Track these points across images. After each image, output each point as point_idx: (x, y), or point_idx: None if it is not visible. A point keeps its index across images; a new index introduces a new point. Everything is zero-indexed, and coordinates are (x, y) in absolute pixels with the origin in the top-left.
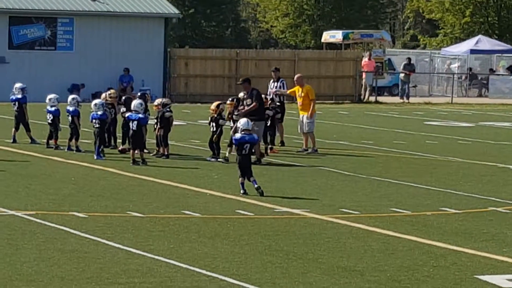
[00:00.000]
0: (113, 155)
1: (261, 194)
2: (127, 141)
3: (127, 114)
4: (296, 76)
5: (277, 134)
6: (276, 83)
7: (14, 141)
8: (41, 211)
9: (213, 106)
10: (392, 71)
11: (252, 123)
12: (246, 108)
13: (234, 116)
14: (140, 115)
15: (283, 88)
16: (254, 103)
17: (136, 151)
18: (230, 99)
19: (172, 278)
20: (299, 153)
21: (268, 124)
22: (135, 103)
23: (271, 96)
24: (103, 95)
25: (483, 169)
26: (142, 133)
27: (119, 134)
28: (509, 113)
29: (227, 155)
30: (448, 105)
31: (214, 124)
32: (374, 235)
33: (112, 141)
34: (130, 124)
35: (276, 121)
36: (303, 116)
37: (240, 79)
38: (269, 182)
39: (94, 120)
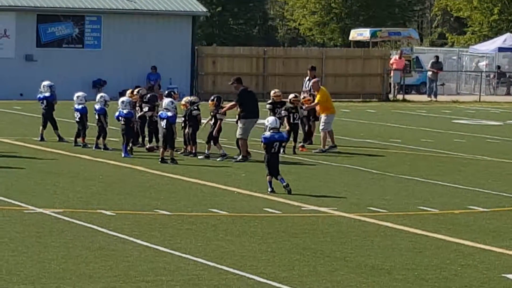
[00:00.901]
0: (141, 153)
1: (289, 192)
2: (154, 139)
3: (158, 113)
4: (312, 81)
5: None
6: (310, 82)
7: (42, 139)
8: (69, 209)
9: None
10: (420, 69)
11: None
12: (227, 106)
13: (217, 115)
14: (169, 114)
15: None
16: (233, 102)
17: (166, 150)
18: (212, 98)
19: (199, 276)
20: (327, 151)
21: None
22: (165, 101)
23: (304, 94)
24: (128, 92)
25: (511, 168)
26: (173, 131)
27: (146, 132)
28: None
29: (206, 152)
30: (476, 103)
31: None
32: (402, 233)
33: (140, 139)
34: (162, 122)
35: (306, 119)
36: (320, 116)
37: (232, 79)
38: (297, 180)
39: (120, 118)
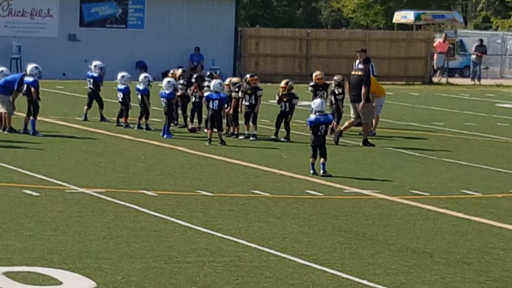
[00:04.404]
0: (183, 134)
1: (329, 175)
2: (196, 120)
3: (206, 94)
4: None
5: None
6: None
7: (85, 118)
8: (111, 189)
9: (282, 83)
10: (463, 53)
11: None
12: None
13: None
14: (222, 95)
15: (371, 69)
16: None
17: (213, 131)
18: (284, 82)
19: (240, 258)
20: (374, 134)
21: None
22: (214, 83)
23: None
24: (169, 74)
25: None
26: (223, 112)
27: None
28: None
29: (255, 131)
30: None
31: (287, 104)
32: (444, 217)
33: (182, 119)
34: (210, 103)
35: (340, 102)
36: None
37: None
38: (339, 162)
39: (162, 99)
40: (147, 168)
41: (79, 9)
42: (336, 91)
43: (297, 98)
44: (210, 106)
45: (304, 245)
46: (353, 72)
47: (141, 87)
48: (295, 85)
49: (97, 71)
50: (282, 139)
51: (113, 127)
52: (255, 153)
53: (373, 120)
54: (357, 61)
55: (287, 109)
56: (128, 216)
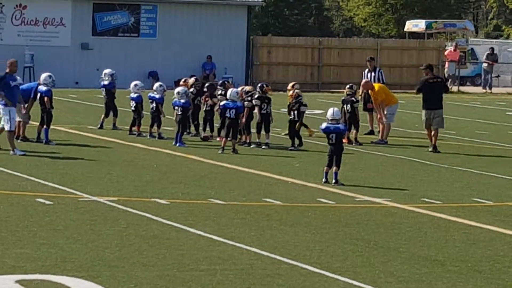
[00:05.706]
0: (195, 142)
1: (341, 185)
2: (208, 128)
3: (222, 102)
4: (362, 83)
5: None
6: (372, 73)
7: (101, 127)
8: (123, 197)
9: (290, 91)
10: (475, 61)
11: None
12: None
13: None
14: (239, 104)
15: (381, 77)
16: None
17: (229, 139)
18: (290, 85)
19: (253, 266)
20: (386, 142)
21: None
22: (231, 92)
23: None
24: (182, 82)
25: None
26: (239, 121)
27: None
28: None
29: (267, 140)
30: None
31: (296, 113)
32: (456, 225)
33: (192, 128)
34: (227, 112)
35: (356, 110)
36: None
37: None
38: (351, 171)
39: (176, 108)
40: (160, 177)
41: (91, 18)
42: (353, 98)
43: (306, 105)
44: (227, 115)
45: (316, 253)
46: (431, 80)
47: (157, 95)
48: (307, 93)
49: (107, 78)
50: (290, 148)
51: (126, 136)
52: (267, 161)
53: (385, 128)
54: (366, 70)
55: (296, 118)
56: (141, 224)
